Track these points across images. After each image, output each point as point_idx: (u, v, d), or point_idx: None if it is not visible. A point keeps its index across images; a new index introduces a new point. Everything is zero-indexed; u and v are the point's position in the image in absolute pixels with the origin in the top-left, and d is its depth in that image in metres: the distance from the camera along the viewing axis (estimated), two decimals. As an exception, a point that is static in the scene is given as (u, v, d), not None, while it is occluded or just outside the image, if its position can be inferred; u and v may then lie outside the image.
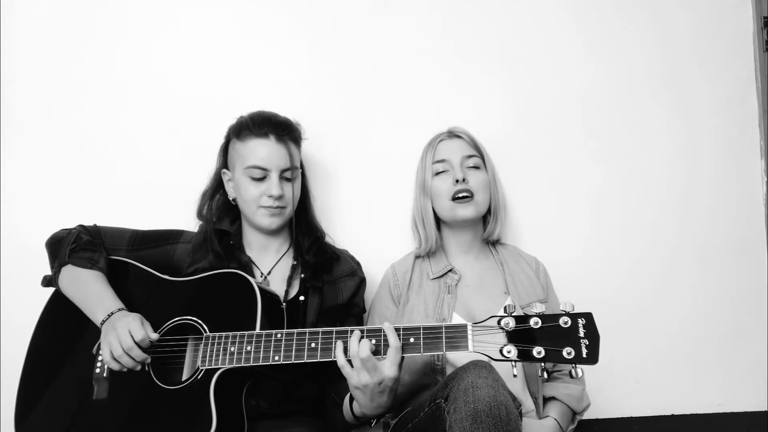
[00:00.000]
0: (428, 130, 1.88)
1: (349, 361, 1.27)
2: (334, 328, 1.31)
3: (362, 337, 1.27)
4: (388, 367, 1.25)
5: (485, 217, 1.73)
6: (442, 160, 1.68)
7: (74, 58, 1.91)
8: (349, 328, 1.30)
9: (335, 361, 1.28)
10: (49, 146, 1.88)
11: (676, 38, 2.07)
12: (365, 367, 1.24)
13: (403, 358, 1.26)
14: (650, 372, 1.98)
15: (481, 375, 1.20)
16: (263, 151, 1.54)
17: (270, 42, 1.96)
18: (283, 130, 1.58)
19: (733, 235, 2.05)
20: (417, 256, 1.74)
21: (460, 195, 1.62)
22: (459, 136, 1.72)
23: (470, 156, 1.68)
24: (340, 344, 1.28)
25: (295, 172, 1.60)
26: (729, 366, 2.00)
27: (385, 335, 1.26)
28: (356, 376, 1.25)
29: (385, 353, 1.26)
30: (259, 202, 1.55)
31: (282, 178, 1.56)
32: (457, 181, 1.63)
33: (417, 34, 2.00)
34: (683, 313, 2.01)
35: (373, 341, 1.26)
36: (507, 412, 1.17)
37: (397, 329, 1.27)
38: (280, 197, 1.54)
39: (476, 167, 1.67)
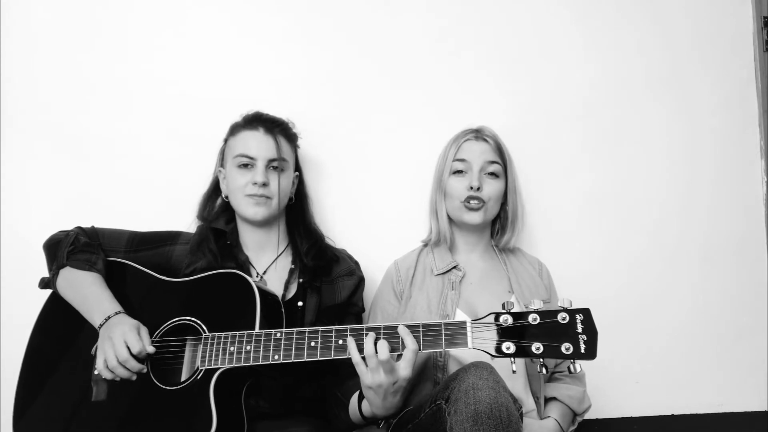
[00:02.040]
0: (429, 130, 1.89)
1: (363, 359, 1.25)
2: (334, 327, 1.31)
3: (377, 337, 1.25)
4: (403, 368, 1.24)
5: (496, 222, 1.74)
6: (463, 160, 1.67)
7: (74, 58, 1.90)
8: (354, 326, 1.29)
9: (338, 359, 1.28)
10: (50, 146, 1.88)
11: (676, 38, 2.08)
12: (383, 368, 1.22)
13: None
14: (650, 372, 1.98)
15: (482, 376, 1.20)
16: (251, 141, 1.58)
17: (270, 42, 1.96)
18: (272, 124, 1.62)
19: (733, 235, 2.05)
20: (424, 246, 1.75)
21: (472, 202, 1.62)
22: (485, 140, 1.69)
23: (492, 162, 1.66)
24: (352, 341, 1.26)
25: (284, 164, 1.60)
26: (729, 366, 2.00)
27: (401, 337, 1.25)
28: (371, 376, 1.24)
29: (399, 352, 1.25)
30: (244, 190, 1.56)
31: (270, 168, 1.58)
32: (471, 187, 1.63)
33: (417, 35, 2.00)
34: (683, 313, 2.01)
35: (390, 341, 1.25)
36: (508, 413, 1.17)
37: (395, 327, 1.26)
38: (264, 185, 1.55)
39: (495, 175, 1.67)
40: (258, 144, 1.58)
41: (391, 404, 1.28)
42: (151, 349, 1.35)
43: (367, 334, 1.26)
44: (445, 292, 1.62)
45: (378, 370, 1.23)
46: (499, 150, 1.69)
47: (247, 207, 1.57)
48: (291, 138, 1.67)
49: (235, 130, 1.64)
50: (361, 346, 1.25)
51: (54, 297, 1.55)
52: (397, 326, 1.26)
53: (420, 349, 1.25)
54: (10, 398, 1.47)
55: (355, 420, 1.44)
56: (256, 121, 1.62)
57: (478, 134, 1.71)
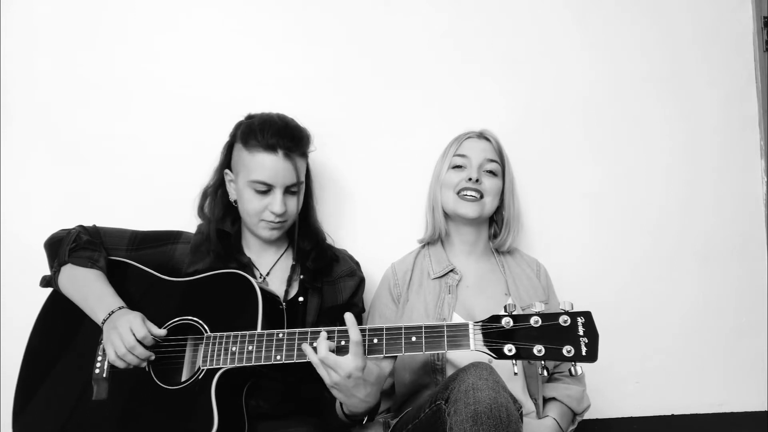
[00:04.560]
0: (429, 130, 1.89)
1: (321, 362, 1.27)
2: (336, 327, 1.30)
3: (328, 337, 1.27)
4: (350, 360, 1.23)
5: (494, 225, 1.74)
6: (463, 155, 1.68)
7: (74, 57, 1.90)
8: (362, 327, 1.29)
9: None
10: (50, 146, 1.88)
11: (677, 38, 2.08)
12: (327, 365, 1.24)
13: (365, 349, 1.26)
14: (650, 372, 1.99)
15: (481, 377, 1.20)
16: (270, 167, 1.49)
17: (271, 43, 1.96)
18: (293, 146, 1.53)
19: (733, 235, 2.05)
20: (422, 247, 1.75)
21: (467, 193, 1.63)
22: (487, 139, 1.72)
23: (491, 160, 1.68)
24: (308, 346, 1.28)
25: (300, 186, 1.58)
26: (729, 366, 2.01)
27: (348, 328, 1.26)
28: (327, 376, 1.26)
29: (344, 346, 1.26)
30: (261, 215, 1.53)
31: (286, 192, 1.54)
32: (470, 179, 1.63)
33: (417, 35, 2.00)
34: (683, 313, 2.01)
35: (339, 340, 1.27)
36: (508, 413, 1.17)
37: (398, 328, 1.27)
38: (282, 213, 1.53)
39: (493, 173, 1.68)
40: (276, 170, 1.50)
41: (358, 398, 1.28)
42: (158, 332, 1.36)
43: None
44: (442, 295, 1.62)
45: (327, 369, 1.25)
46: (500, 151, 1.71)
47: (263, 231, 1.55)
48: (306, 153, 1.62)
49: (249, 142, 1.51)
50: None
51: (54, 297, 1.55)
52: (397, 327, 1.27)
53: (423, 351, 1.25)
54: (10, 398, 1.47)
55: (341, 418, 1.43)
56: (275, 138, 1.50)
57: (481, 134, 1.74)
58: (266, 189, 1.51)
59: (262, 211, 1.53)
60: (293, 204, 1.56)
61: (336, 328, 1.29)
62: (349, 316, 1.27)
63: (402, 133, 1.96)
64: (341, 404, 1.37)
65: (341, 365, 1.23)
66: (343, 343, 1.27)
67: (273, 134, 1.51)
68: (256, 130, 1.52)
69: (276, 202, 1.51)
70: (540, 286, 1.70)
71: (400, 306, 1.65)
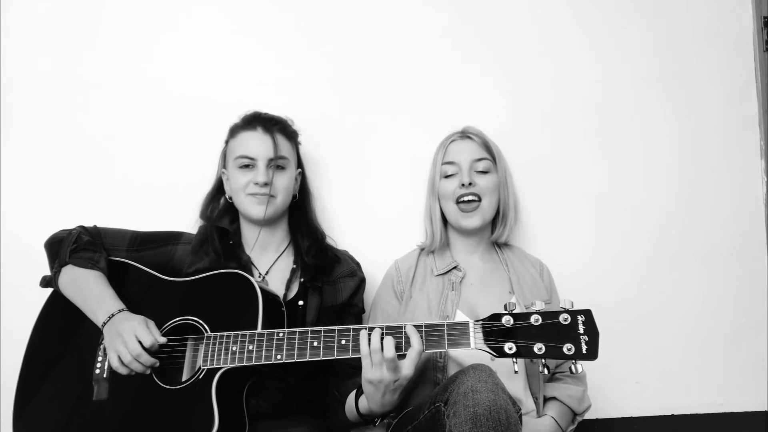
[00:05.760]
0: (429, 130, 1.88)
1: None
2: (336, 327, 1.31)
3: (383, 334, 1.26)
4: (406, 367, 1.24)
5: (493, 219, 1.73)
6: (451, 162, 1.67)
7: (74, 57, 1.91)
8: (361, 326, 1.29)
9: (339, 359, 1.28)
10: (50, 146, 1.88)
11: (677, 38, 2.08)
12: (387, 365, 1.23)
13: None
14: (650, 372, 1.98)
15: (481, 379, 1.20)
16: (250, 141, 1.59)
17: (270, 43, 1.96)
18: (271, 123, 1.63)
19: (733, 235, 2.05)
20: (422, 250, 1.74)
21: (465, 199, 1.63)
22: (470, 138, 1.70)
23: (480, 159, 1.67)
24: (365, 334, 1.27)
25: (284, 162, 1.61)
26: (729, 366, 2.00)
27: (407, 336, 1.25)
28: (373, 371, 1.25)
29: (403, 351, 1.25)
30: (246, 190, 1.57)
31: (272, 167, 1.57)
32: (463, 185, 1.63)
33: (417, 34, 2.00)
34: (683, 313, 2.01)
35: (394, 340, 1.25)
36: (507, 416, 1.17)
37: (399, 327, 1.27)
38: (266, 184, 1.55)
39: (485, 171, 1.67)
40: (257, 144, 1.58)
41: (388, 401, 1.29)
42: (162, 340, 1.37)
43: (373, 330, 1.26)
44: (446, 292, 1.62)
45: (381, 366, 1.24)
46: (486, 146, 1.70)
47: (250, 206, 1.57)
48: (290, 135, 1.67)
49: (234, 131, 1.64)
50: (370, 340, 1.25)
51: (54, 297, 1.55)
52: (401, 326, 1.26)
53: (423, 350, 1.25)
54: (10, 398, 1.47)
55: (351, 417, 1.44)
56: (254, 121, 1.63)
57: (463, 134, 1.72)
58: (249, 163, 1.58)
59: (246, 186, 1.57)
60: (281, 180, 1.59)
61: (387, 325, 1.28)
62: (410, 327, 1.26)
63: (402, 133, 1.96)
64: (357, 403, 1.38)
65: (399, 369, 1.23)
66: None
67: (252, 118, 1.66)
68: (239, 121, 1.67)
69: (259, 172, 1.56)
70: (543, 286, 1.70)
71: (403, 303, 1.65)
